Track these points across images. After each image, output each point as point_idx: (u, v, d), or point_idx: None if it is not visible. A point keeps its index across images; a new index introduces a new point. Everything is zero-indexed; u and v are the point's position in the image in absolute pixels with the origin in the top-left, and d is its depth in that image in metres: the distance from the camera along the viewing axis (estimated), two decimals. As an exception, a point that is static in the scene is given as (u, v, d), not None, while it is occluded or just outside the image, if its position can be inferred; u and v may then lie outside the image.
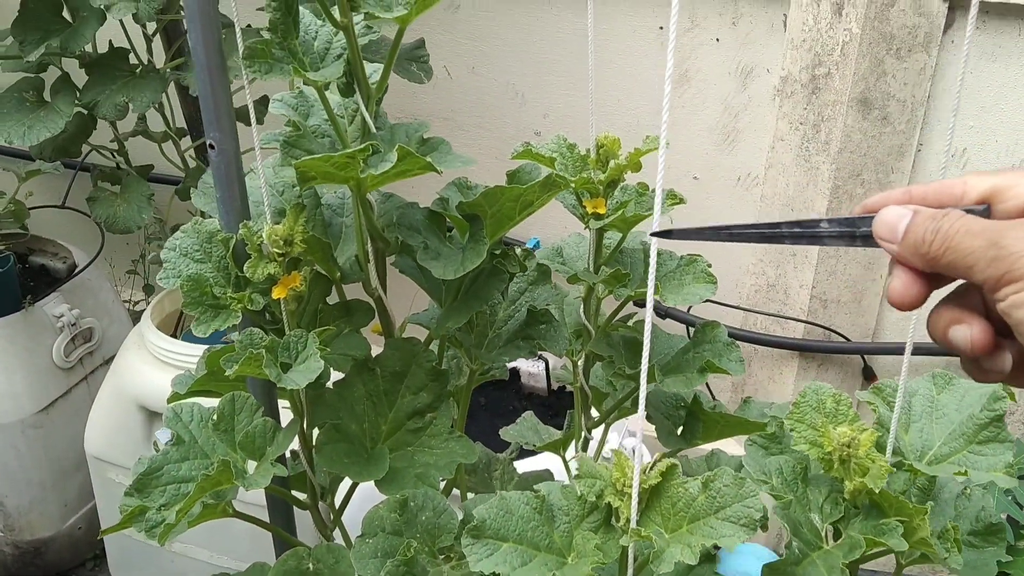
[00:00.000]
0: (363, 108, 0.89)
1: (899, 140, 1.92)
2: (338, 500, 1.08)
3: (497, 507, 0.78)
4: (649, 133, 0.99)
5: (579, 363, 1.17)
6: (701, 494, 0.75)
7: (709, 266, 1.00)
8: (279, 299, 0.91)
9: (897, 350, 2.08)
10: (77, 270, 2.28)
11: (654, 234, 0.70)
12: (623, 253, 1.05)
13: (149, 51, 1.85)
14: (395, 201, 1.00)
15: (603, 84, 2.14)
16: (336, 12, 0.83)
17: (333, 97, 0.99)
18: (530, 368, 2.09)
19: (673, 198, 0.99)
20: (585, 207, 1.01)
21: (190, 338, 2.04)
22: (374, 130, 0.90)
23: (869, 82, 1.88)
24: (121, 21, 1.79)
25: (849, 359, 2.14)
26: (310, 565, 0.93)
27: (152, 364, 1.92)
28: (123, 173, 1.93)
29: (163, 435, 1.92)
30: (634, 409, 1.16)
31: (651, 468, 0.77)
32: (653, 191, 1.03)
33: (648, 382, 1.03)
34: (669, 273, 1.03)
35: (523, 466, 1.37)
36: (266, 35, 0.84)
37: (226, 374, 0.86)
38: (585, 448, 1.20)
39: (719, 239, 0.72)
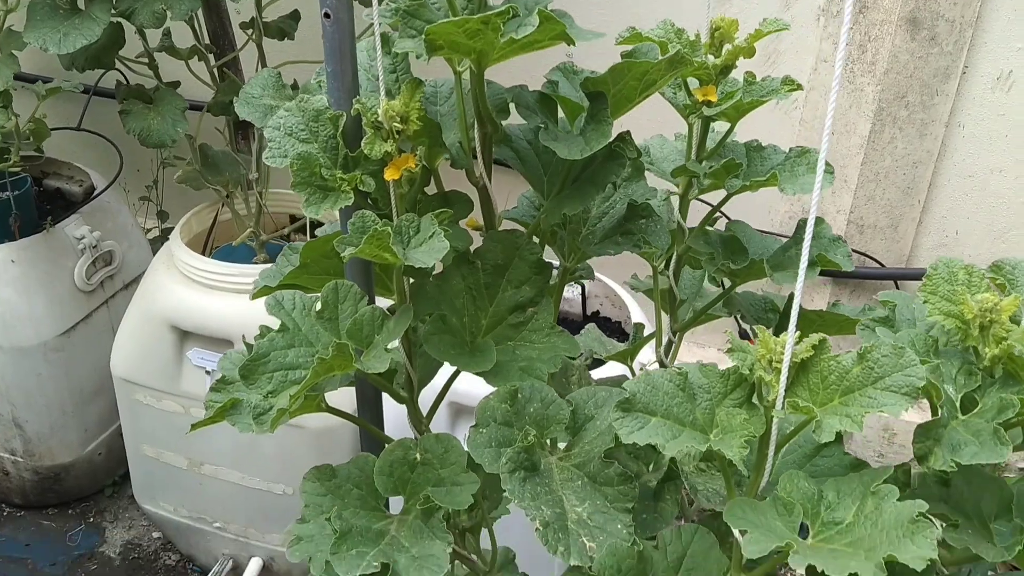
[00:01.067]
0: (482, -21, 0.85)
1: (946, 62, 1.90)
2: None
3: (644, 383, 0.76)
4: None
5: (662, 265, 1.15)
6: (856, 366, 0.73)
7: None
8: (388, 183, 0.88)
9: (931, 276, 2.08)
10: (97, 192, 2.22)
11: None
12: (725, 146, 1.03)
13: (181, -41, 1.78)
14: (496, 87, 0.96)
15: (644, 4, 2.10)
16: None
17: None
18: (565, 293, 2.06)
19: (790, 84, 0.96)
20: (694, 95, 0.98)
21: (221, 256, 2.00)
22: (491, 1, 0.86)
23: (919, 1, 1.85)
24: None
25: (882, 285, 2.13)
26: (417, 455, 0.90)
27: (183, 283, 1.89)
28: (154, 88, 1.86)
29: (195, 355, 1.89)
30: (721, 313, 1.14)
31: (799, 342, 0.75)
32: (764, 79, 1.00)
33: (755, 277, 1.01)
34: (779, 165, 1.00)
35: (593, 375, 1.35)
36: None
37: (343, 255, 0.82)
38: (667, 353, 1.18)
39: None
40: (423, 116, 0.86)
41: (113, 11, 1.66)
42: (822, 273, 2.14)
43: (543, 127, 0.88)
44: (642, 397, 0.76)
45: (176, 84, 1.95)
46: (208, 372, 1.90)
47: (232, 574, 2.13)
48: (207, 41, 1.94)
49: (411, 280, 0.95)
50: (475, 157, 0.94)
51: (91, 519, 2.38)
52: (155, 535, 2.35)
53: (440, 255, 0.80)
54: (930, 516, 0.71)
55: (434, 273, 0.97)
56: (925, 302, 0.81)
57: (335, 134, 0.88)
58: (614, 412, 0.75)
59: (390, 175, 0.86)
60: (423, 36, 0.78)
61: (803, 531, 0.76)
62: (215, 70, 1.93)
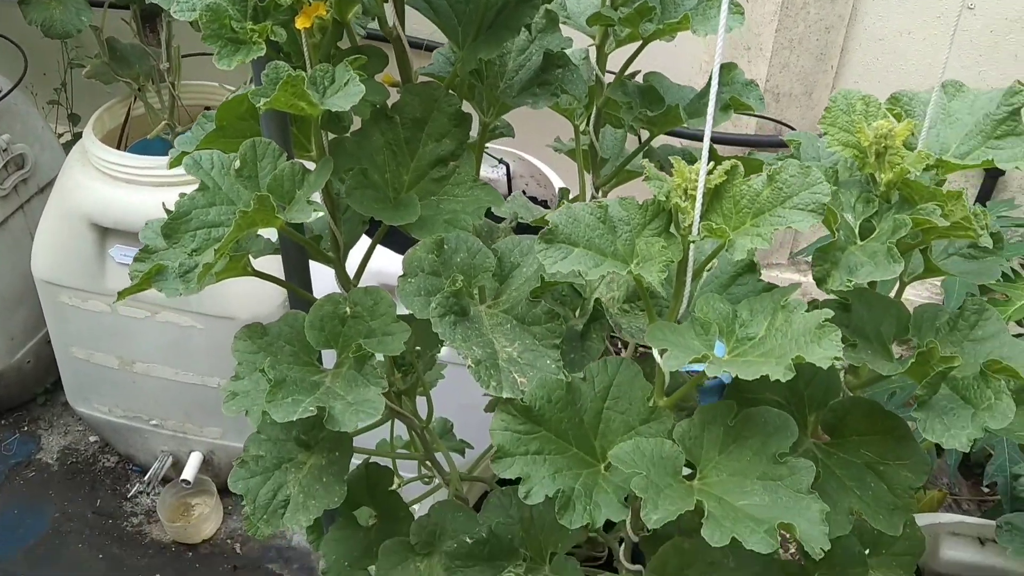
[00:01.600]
0: None
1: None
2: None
3: (566, 215, 0.78)
4: None
5: (583, 125, 1.16)
6: (766, 188, 0.76)
7: (734, -3, 0.99)
8: (299, 33, 0.86)
9: (845, 142, 2.13)
10: (2, 94, 2.13)
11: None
12: (639, -8, 1.03)
13: None
14: (406, -64, 0.95)
15: None
16: None
17: None
18: (491, 174, 2.07)
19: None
20: (604, -60, 0.98)
21: (137, 151, 1.95)
22: None
23: None
24: None
25: (799, 153, 2.18)
26: (347, 309, 0.92)
27: (100, 180, 1.84)
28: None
29: (117, 251, 1.86)
30: (642, 170, 1.16)
31: (711, 171, 0.77)
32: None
33: (672, 125, 1.03)
34: (693, 8, 1.01)
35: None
36: None
37: (258, 107, 0.82)
38: (591, 207, 1.20)
39: None
40: (331, -38, 0.84)
41: None
42: (744, 144, 2.17)
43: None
44: (564, 228, 0.78)
45: (75, -29, 1.87)
46: (133, 267, 1.87)
47: (172, 470, 2.14)
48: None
49: (330, 138, 0.95)
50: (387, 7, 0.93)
51: (25, 427, 2.36)
52: (92, 439, 2.34)
53: (356, 99, 0.80)
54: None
55: (352, 129, 0.97)
56: (825, 133, 0.84)
57: (242, -16, 0.86)
58: (538, 244, 0.77)
59: (301, 23, 0.85)
60: None
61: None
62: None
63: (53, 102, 2.53)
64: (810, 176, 0.74)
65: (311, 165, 0.97)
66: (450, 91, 0.98)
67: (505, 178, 2.07)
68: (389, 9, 0.95)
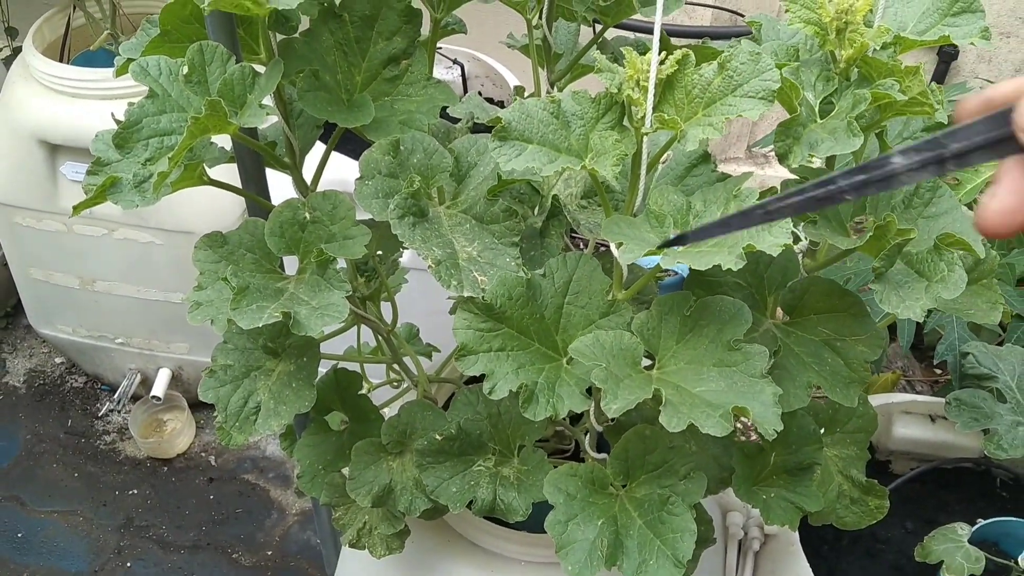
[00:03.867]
0: None
1: None
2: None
3: (518, 111, 0.78)
4: None
5: (535, 19, 1.15)
6: (717, 76, 0.76)
7: None
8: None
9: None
10: (-70, 6, 2.04)
11: (663, 246, 0.65)
12: None
13: None
14: None
15: None
16: None
17: None
18: (445, 76, 2.04)
19: None
20: None
21: (81, 64, 1.90)
22: None
23: None
24: None
25: (755, 45, 2.17)
26: (306, 214, 0.91)
27: (45, 95, 1.80)
28: None
29: (69, 168, 1.83)
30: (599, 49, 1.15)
31: (664, 60, 0.77)
32: None
33: (625, 14, 1.02)
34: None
35: (476, 141, 1.36)
36: None
37: (202, 6, 0.80)
38: (547, 105, 1.20)
39: (754, 224, 0.64)
40: None
41: None
42: (697, 35, 2.15)
43: None
44: (517, 125, 0.78)
45: None
46: (85, 184, 1.84)
47: (142, 387, 2.15)
48: None
49: (278, 39, 0.93)
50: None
51: (-12, 351, 2.35)
52: (58, 360, 2.34)
53: (303, -3, 0.78)
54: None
55: (301, 30, 0.95)
56: (787, 11, 0.84)
57: None
58: (492, 141, 0.77)
59: (241, -78, 0.82)
60: None
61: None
62: None
63: (-13, 16, 2.43)
64: (760, 63, 0.75)
65: (261, 69, 0.95)
66: (399, -12, 0.96)
67: (460, 79, 2.05)
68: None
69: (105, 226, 1.87)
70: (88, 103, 1.77)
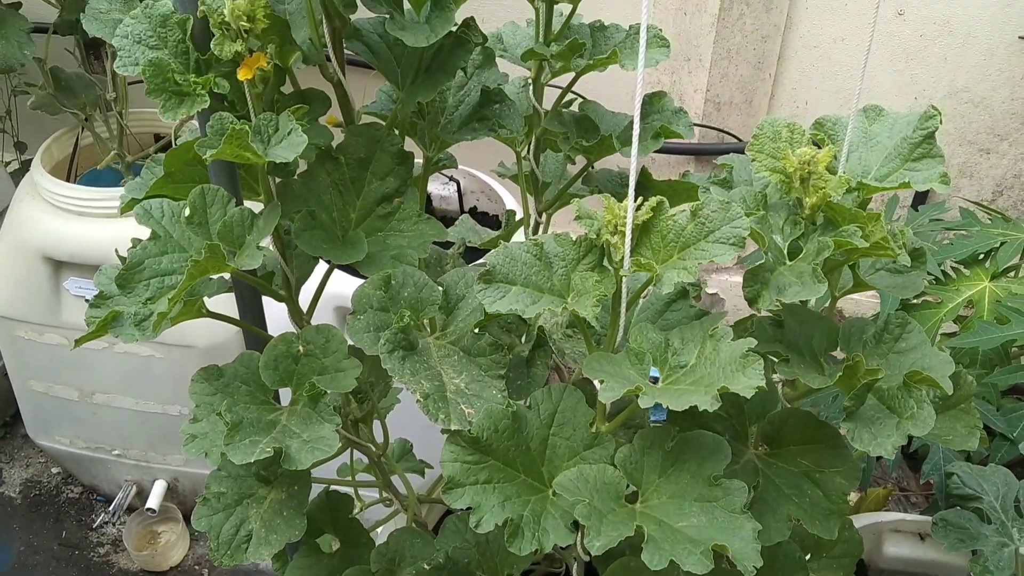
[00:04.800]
0: None
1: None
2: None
3: (503, 254, 0.82)
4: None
5: (524, 151, 1.20)
6: (690, 223, 0.80)
7: (660, 30, 1.03)
8: (243, 83, 0.89)
9: (786, 147, 2.19)
10: (-55, 125, 2.12)
11: None
12: (570, 28, 1.07)
13: None
14: (342, -19, 0.98)
15: None
16: None
17: None
18: (442, 191, 2.10)
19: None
20: (534, -20, 1.02)
21: (87, 182, 1.96)
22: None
23: None
24: None
25: (742, 159, 2.23)
26: (300, 347, 0.95)
27: (51, 213, 1.85)
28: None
29: (72, 284, 1.87)
30: (583, 191, 1.20)
31: (639, 207, 0.81)
32: (598, -39, 1.04)
33: (606, 153, 1.07)
34: (621, 43, 1.05)
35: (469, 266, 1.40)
36: None
37: (204, 158, 0.84)
38: (536, 232, 1.24)
39: None
40: (270, 14, 0.87)
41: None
42: (687, 152, 2.22)
43: (390, 18, 0.90)
44: (502, 268, 0.81)
45: (17, 5, 1.87)
46: (88, 301, 1.87)
47: (137, 499, 2.15)
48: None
49: (276, 180, 0.98)
50: (328, 55, 0.96)
51: (-15, 461, 2.35)
52: (55, 470, 2.34)
53: (300, 149, 0.83)
54: (764, 355, 0.80)
55: (299, 171, 0.99)
56: (753, 160, 0.89)
57: (184, 38, 0.89)
58: (477, 284, 0.80)
59: (243, 75, 0.88)
60: (259, -65, 0.80)
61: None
62: (56, -12, 1.85)
63: (-1, 130, 2.51)
64: (730, 211, 0.79)
65: (259, 205, 1.00)
66: (392, 131, 1.01)
67: (456, 195, 2.10)
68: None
69: (106, 340, 1.90)
70: (93, 221, 1.82)
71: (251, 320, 1.07)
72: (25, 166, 2.55)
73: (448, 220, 2.13)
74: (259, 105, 0.91)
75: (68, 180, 1.98)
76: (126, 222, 1.84)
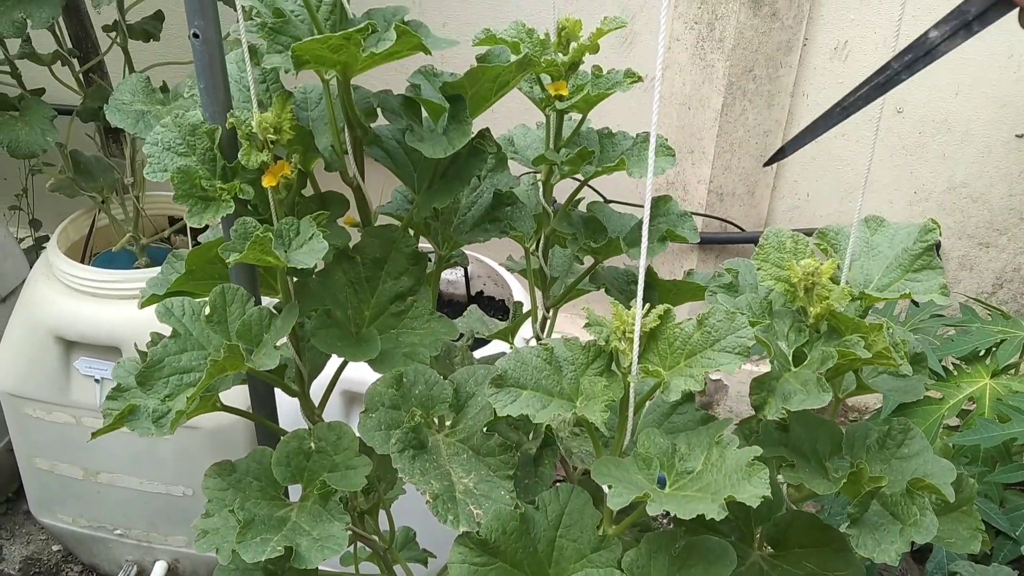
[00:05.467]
0: (340, -6, 0.90)
1: (787, 35, 2.03)
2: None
3: (514, 359, 0.84)
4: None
5: (533, 247, 1.23)
6: (696, 331, 0.83)
7: (666, 140, 1.08)
8: (266, 189, 0.93)
9: (788, 237, 2.23)
10: (-36, 205, 2.16)
11: (768, 163, 0.74)
12: (580, 135, 1.11)
13: (35, -35, 1.76)
14: (362, 92, 1.02)
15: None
16: None
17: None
18: (449, 276, 2.14)
19: (632, 76, 1.05)
20: (547, 90, 1.06)
21: (101, 263, 1.99)
22: (352, 15, 0.92)
23: (759, -20, 1.98)
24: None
25: (743, 248, 2.28)
26: (312, 444, 0.96)
27: (65, 293, 1.88)
28: (18, 97, 1.84)
29: (82, 364, 1.89)
30: (589, 288, 1.23)
31: (647, 314, 0.84)
32: (609, 72, 1.09)
33: (614, 254, 1.10)
34: (628, 150, 1.09)
35: (477, 354, 1.42)
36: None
37: (227, 261, 0.87)
38: (543, 328, 1.27)
39: (836, 123, 0.75)
40: (295, 125, 0.91)
41: (-31, 22, 1.64)
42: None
43: (409, 129, 0.94)
44: (513, 373, 0.84)
45: (40, 91, 1.93)
46: (97, 381, 1.90)
47: (137, 578, 2.14)
48: (69, 46, 1.93)
49: (295, 279, 1.01)
50: (347, 158, 1.00)
51: (-15, 537, 2.34)
52: (55, 548, 2.33)
53: (320, 255, 0.86)
54: (769, 459, 0.82)
55: (316, 270, 1.03)
56: (759, 269, 0.92)
57: (212, 146, 0.92)
58: (488, 388, 0.83)
59: (267, 182, 0.91)
60: (290, 52, 0.84)
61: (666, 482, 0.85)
62: (80, 75, 1.91)
63: (14, 207, 2.56)
64: (736, 321, 0.81)
65: (273, 300, 1.03)
66: (407, 232, 1.04)
67: (464, 279, 2.14)
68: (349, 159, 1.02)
69: (113, 419, 1.91)
70: (107, 302, 1.85)
71: (263, 413, 1.09)
72: (39, 243, 2.60)
73: (455, 304, 2.17)
74: (281, 210, 0.95)
75: (83, 261, 2.02)
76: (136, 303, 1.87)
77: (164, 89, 1.66)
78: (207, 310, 0.95)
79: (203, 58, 0.88)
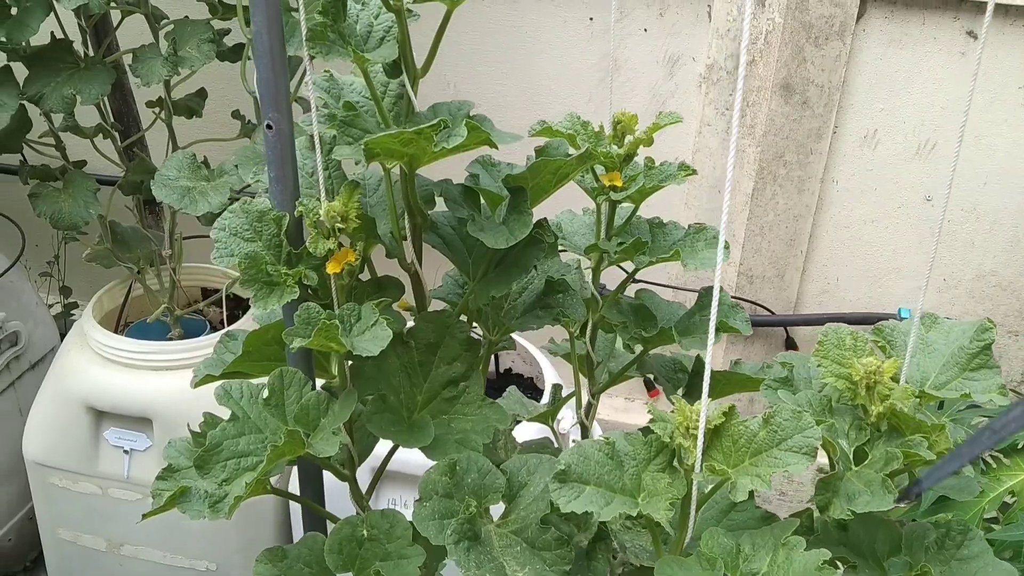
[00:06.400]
0: (409, 88, 0.93)
1: (818, 123, 2.07)
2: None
3: (577, 454, 0.84)
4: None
5: (577, 332, 1.24)
6: (762, 430, 0.83)
7: (716, 231, 1.09)
8: (328, 275, 0.94)
9: (817, 320, 2.24)
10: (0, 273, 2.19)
11: (902, 499, 0.74)
12: (631, 225, 1.13)
13: (85, 44, 1.80)
14: (421, 179, 1.04)
15: (534, 74, 2.21)
16: (388, -4, 0.87)
17: (355, 79, 1.03)
18: (478, 352, 2.13)
19: (686, 170, 1.07)
20: (601, 180, 1.08)
21: (135, 333, 2.00)
22: (418, 109, 0.94)
23: (791, 68, 2.02)
24: (56, 14, 1.73)
25: (773, 331, 2.28)
26: (364, 532, 0.96)
27: (98, 363, 1.89)
28: (60, 168, 1.87)
29: (112, 434, 1.89)
30: (636, 374, 1.23)
31: (711, 411, 0.84)
32: (662, 164, 1.11)
33: (665, 343, 1.11)
34: (679, 241, 1.10)
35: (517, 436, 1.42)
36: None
37: (291, 347, 0.88)
38: (588, 414, 1.27)
39: (981, 452, 0.74)
40: (362, 214, 0.93)
41: (21, 96, 1.67)
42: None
43: (471, 219, 0.96)
44: (576, 468, 0.84)
45: (82, 163, 1.96)
46: (126, 452, 1.89)
47: (153, 654, 2.10)
48: (111, 119, 1.96)
49: (350, 362, 1.01)
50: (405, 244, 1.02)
51: (1, 607, 2.31)
52: (69, 619, 2.29)
53: (384, 343, 0.87)
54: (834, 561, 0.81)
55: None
56: (819, 366, 0.92)
57: (278, 233, 0.94)
58: (552, 483, 0.82)
59: (332, 269, 0.93)
60: (362, 145, 0.86)
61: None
62: (122, 149, 1.94)
63: (45, 274, 2.59)
64: (802, 420, 0.81)
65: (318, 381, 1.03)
66: (461, 319, 1.05)
67: (493, 356, 2.14)
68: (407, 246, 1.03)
69: (139, 491, 1.90)
70: (140, 373, 1.86)
71: (311, 495, 1.09)
72: (68, 309, 2.62)
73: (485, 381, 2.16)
74: (343, 295, 0.96)
75: (116, 331, 2.03)
76: (172, 376, 1.88)
77: (205, 164, 1.69)
78: (265, 393, 0.96)
79: (276, 149, 0.90)
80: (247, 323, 1.95)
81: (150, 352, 1.85)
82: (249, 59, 1.72)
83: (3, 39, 1.61)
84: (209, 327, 2.09)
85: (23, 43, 1.64)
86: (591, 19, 2.17)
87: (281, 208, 0.94)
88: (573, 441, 1.04)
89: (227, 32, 1.83)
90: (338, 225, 0.90)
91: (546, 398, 1.78)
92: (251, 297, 0.91)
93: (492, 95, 2.26)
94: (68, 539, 2.03)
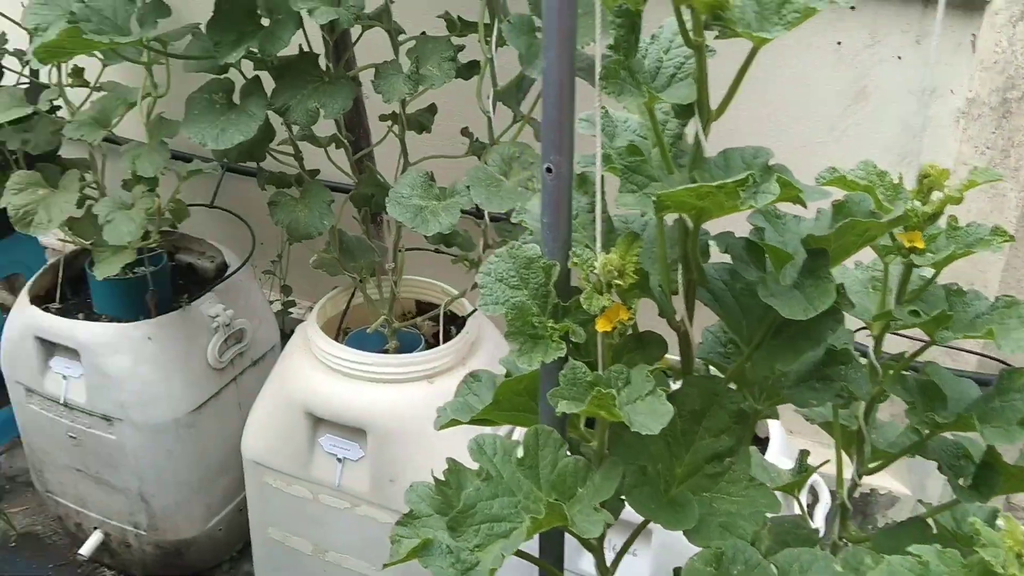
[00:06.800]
0: (701, 132, 0.83)
1: (1100, 168, 1.83)
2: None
3: (887, 571, 0.73)
4: (821, 150, 0.94)
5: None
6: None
7: (1035, 308, 0.94)
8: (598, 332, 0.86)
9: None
10: (231, 270, 2.26)
11: None
12: (928, 293, 0.99)
13: (328, 57, 1.82)
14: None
15: (772, 97, 2.07)
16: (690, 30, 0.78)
17: (629, 115, 0.95)
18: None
19: (1002, 235, 0.93)
20: (899, 240, 0.95)
21: (354, 341, 2.02)
22: (708, 154, 0.85)
23: (1074, 107, 1.79)
24: (303, 27, 1.75)
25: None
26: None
27: (319, 369, 1.90)
28: (295, 175, 1.90)
29: (327, 441, 1.90)
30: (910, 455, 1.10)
31: None
32: (969, 226, 0.97)
33: (960, 431, 0.97)
34: (982, 316, 0.96)
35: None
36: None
37: (558, 410, 0.81)
38: (850, 495, 1.14)
39: None
40: (639, 269, 0.84)
41: (268, 106, 1.70)
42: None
43: (760, 281, 0.86)
44: (887, 588, 0.72)
45: (316, 171, 1.99)
46: (339, 460, 1.90)
47: (349, 659, 2.12)
48: (345, 131, 1.98)
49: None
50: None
51: (207, 595, 2.40)
52: (271, 612, 2.35)
53: (665, 422, 0.78)
54: None
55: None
56: None
57: (546, 283, 0.87)
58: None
59: (602, 326, 0.85)
60: (652, 198, 0.77)
61: None
62: (354, 161, 1.95)
63: (268, 272, 2.67)
64: None
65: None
66: (731, 386, 0.95)
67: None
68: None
69: (350, 500, 1.91)
70: (358, 384, 1.86)
71: (551, 558, 1.02)
72: (286, 307, 2.69)
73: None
74: (609, 355, 0.88)
75: (336, 338, 2.05)
76: (387, 388, 1.87)
77: (431, 177, 1.66)
78: (520, 451, 0.89)
79: (552, 194, 0.83)
80: (460, 346, 1.91)
81: (369, 363, 1.85)
82: (484, 76, 1.68)
83: (255, 50, 1.64)
84: (424, 342, 2.08)
85: (273, 55, 1.66)
86: (839, 43, 2.01)
87: (552, 256, 0.87)
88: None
89: (461, 48, 1.80)
90: (616, 282, 0.83)
91: (774, 458, 1.64)
92: (515, 351, 0.85)
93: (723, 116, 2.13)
94: (277, 538, 2.07)
